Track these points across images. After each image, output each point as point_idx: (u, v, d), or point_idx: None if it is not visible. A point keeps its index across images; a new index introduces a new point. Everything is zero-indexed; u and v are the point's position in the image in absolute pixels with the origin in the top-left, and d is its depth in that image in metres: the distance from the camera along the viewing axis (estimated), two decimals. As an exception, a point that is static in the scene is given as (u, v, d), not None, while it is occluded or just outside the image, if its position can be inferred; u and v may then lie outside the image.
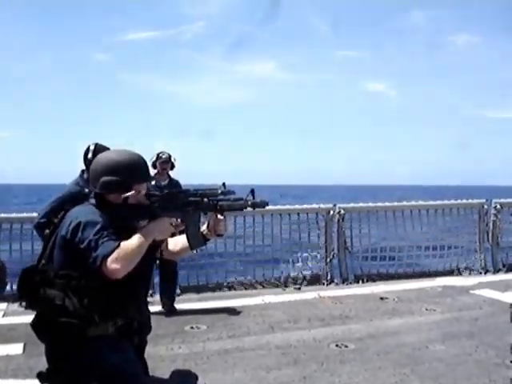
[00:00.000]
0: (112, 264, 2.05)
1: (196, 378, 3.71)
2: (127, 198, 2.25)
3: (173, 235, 2.42)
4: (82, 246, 2.11)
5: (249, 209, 2.38)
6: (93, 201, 2.28)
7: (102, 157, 2.35)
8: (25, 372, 3.74)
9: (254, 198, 2.36)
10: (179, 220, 2.34)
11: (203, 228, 2.39)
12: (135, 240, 2.13)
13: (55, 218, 2.29)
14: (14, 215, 6.40)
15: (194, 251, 2.49)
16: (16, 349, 4.30)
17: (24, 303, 2.26)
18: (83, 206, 2.27)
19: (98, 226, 2.12)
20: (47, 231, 2.33)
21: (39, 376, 2.27)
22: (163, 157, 5.63)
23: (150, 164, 5.58)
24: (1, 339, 4.58)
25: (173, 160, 5.71)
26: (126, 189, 2.24)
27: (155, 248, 2.36)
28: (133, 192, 2.26)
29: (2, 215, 6.39)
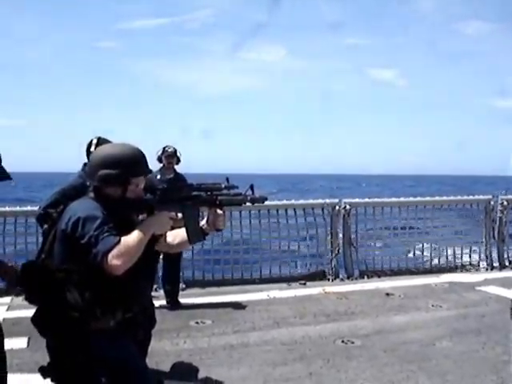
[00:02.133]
0: (113, 260, 2.04)
1: (196, 371, 3.68)
2: (125, 191, 2.23)
3: (173, 228, 2.40)
4: (82, 242, 2.09)
5: (248, 204, 2.38)
6: (92, 194, 2.26)
7: (100, 150, 2.35)
8: (30, 366, 3.73)
9: (253, 193, 2.35)
10: (179, 214, 2.32)
11: (202, 222, 2.37)
12: (135, 235, 2.11)
13: (54, 211, 2.27)
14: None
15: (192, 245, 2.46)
16: (20, 343, 4.29)
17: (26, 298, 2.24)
18: (82, 199, 2.24)
19: (98, 221, 2.10)
20: (46, 226, 2.31)
21: (41, 370, 2.26)
22: (169, 151, 5.60)
23: (155, 158, 5.56)
24: (5, 333, 4.56)
25: (178, 154, 5.68)
26: (123, 182, 2.23)
27: (154, 241, 2.33)
28: (130, 186, 2.24)
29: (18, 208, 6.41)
